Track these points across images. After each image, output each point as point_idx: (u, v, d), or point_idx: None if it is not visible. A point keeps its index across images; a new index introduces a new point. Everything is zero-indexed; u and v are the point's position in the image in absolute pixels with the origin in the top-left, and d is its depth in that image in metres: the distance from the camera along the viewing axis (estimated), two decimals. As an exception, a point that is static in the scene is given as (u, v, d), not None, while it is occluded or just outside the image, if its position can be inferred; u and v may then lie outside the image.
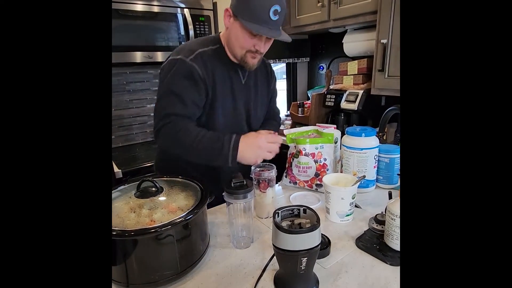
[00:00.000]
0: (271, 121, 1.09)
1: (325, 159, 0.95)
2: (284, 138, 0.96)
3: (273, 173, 0.80)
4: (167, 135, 0.82)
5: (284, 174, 1.02)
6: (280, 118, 1.17)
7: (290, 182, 1.01)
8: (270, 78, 1.04)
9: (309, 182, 0.97)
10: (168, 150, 0.87)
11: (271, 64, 1.10)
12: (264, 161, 0.84)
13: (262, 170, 0.80)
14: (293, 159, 0.99)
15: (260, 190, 0.80)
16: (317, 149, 0.95)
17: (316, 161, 0.95)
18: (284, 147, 1.11)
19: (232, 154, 0.78)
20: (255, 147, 0.79)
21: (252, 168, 0.81)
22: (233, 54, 0.87)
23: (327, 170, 0.95)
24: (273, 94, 1.08)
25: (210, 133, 0.81)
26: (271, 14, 0.76)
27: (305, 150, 0.95)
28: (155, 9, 1.65)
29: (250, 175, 0.80)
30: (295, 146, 0.99)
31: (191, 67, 0.81)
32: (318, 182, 0.95)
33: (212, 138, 0.79)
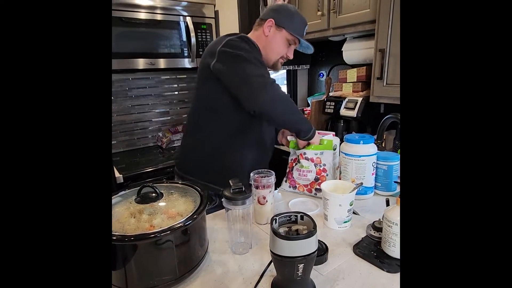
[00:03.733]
0: None
1: (324, 164, 0.97)
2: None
3: (272, 179, 0.81)
4: (277, 92, 0.89)
5: (284, 179, 1.04)
6: None
7: (289, 187, 1.02)
8: None
9: (309, 187, 0.98)
10: (269, 105, 0.89)
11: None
12: (264, 166, 0.88)
13: (261, 177, 0.81)
14: (295, 164, 1.00)
15: (259, 203, 0.81)
16: (316, 154, 0.97)
17: (316, 165, 0.97)
18: (285, 154, 1.12)
19: (313, 131, 0.96)
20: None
21: (251, 174, 0.82)
22: (267, 58, 1.01)
23: (327, 175, 0.96)
24: None
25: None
26: (304, 30, 1.03)
27: (305, 155, 0.98)
28: (158, 17, 1.69)
29: (250, 182, 0.81)
30: (295, 152, 1.01)
31: (256, 46, 0.95)
32: (318, 187, 0.96)
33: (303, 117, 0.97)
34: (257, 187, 0.80)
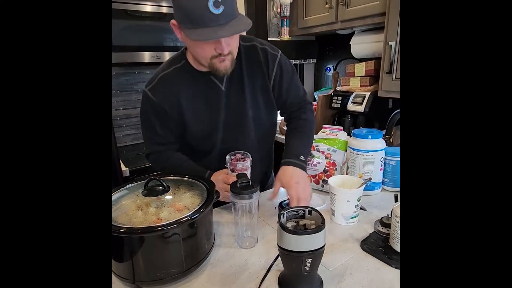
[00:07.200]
0: (298, 122, 0.92)
1: (334, 160, 0.97)
2: None
3: (247, 163, 0.78)
4: (156, 164, 0.91)
5: None
6: (307, 103, 0.97)
7: None
8: (268, 67, 0.86)
9: (317, 177, 0.98)
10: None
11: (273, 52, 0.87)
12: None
13: (237, 160, 0.79)
14: None
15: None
16: (328, 150, 0.97)
17: (326, 158, 0.97)
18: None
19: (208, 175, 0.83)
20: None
21: (227, 157, 0.79)
22: (201, 64, 0.79)
23: (336, 169, 0.96)
24: (281, 82, 0.89)
25: (191, 166, 0.86)
26: (211, 8, 0.62)
27: (317, 147, 0.98)
28: (164, 10, 1.67)
29: (225, 166, 0.79)
30: None
31: (151, 101, 0.82)
32: (325, 178, 0.96)
33: (193, 172, 0.80)
34: (233, 171, 0.78)
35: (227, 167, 0.79)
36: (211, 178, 0.81)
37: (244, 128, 0.90)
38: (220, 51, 0.71)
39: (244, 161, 0.78)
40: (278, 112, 0.99)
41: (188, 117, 0.84)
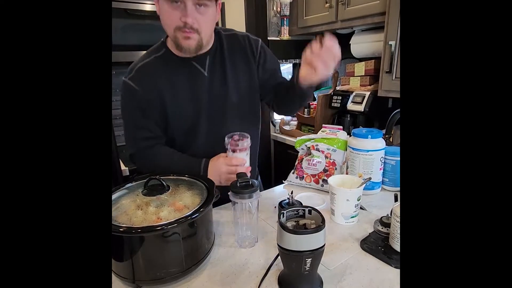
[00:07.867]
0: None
1: (334, 159, 0.97)
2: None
3: (247, 141, 0.79)
4: (142, 162, 0.88)
5: (292, 171, 1.04)
6: None
7: (296, 177, 1.02)
8: (254, 53, 0.89)
9: (316, 177, 0.98)
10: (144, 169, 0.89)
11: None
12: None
13: (236, 140, 0.78)
14: (305, 156, 1.01)
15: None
16: (328, 149, 0.98)
17: (326, 157, 0.98)
18: (290, 148, 1.11)
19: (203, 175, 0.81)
20: (217, 172, 0.79)
21: (226, 139, 0.79)
22: (172, 41, 0.78)
23: (335, 169, 0.96)
24: (265, 64, 0.91)
25: (183, 158, 0.84)
26: None
27: (317, 146, 0.99)
28: (164, 9, 1.67)
29: (226, 147, 0.79)
30: (305, 145, 1.02)
31: (133, 90, 0.81)
32: (325, 178, 0.96)
33: (186, 164, 0.83)
34: (234, 151, 0.78)
35: (227, 149, 0.78)
36: (210, 165, 0.81)
37: (227, 116, 0.89)
38: (184, 19, 0.71)
39: (242, 140, 0.78)
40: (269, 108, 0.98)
41: (170, 106, 0.83)
